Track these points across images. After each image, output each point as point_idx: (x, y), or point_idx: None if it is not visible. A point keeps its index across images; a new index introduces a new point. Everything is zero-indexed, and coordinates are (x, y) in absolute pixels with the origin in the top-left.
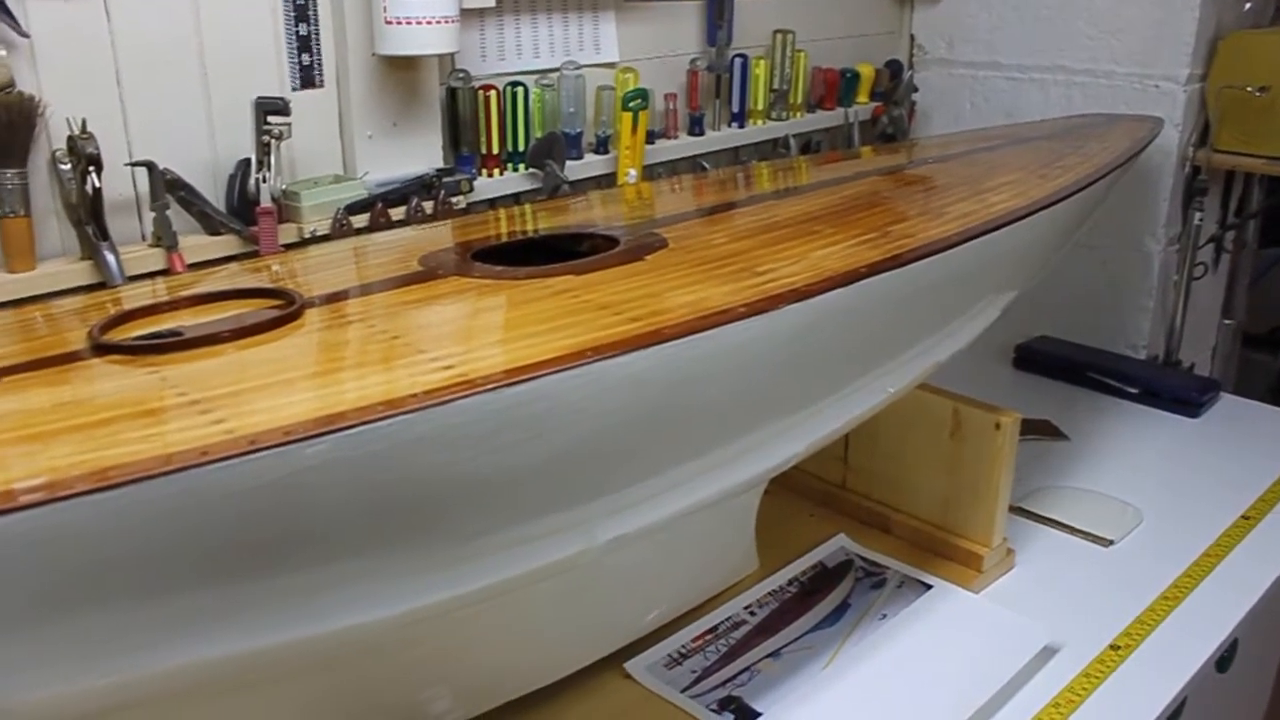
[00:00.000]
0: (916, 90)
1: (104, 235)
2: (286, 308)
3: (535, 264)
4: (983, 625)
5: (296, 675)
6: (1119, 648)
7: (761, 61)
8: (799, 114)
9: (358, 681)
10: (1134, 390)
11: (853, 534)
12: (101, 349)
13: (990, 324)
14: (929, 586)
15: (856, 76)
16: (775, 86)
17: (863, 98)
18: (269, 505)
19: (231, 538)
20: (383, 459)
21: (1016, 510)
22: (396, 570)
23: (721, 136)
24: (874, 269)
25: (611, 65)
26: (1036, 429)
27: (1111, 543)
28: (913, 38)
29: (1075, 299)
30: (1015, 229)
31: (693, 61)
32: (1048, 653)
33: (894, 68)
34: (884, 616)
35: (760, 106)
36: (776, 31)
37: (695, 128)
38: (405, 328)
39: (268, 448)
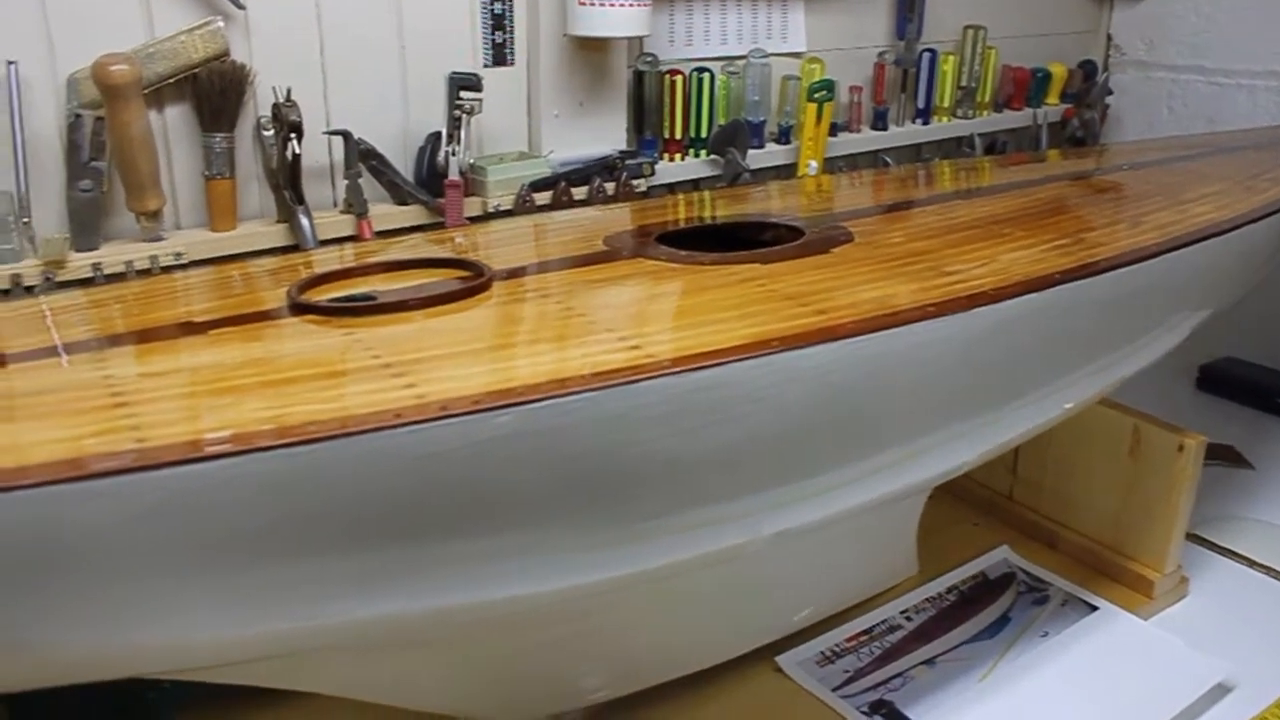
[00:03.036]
0: (1111, 93)
1: (300, 200)
2: (476, 279)
3: (718, 250)
4: (1151, 654)
5: (458, 639)
6: None
7: (950, 57)
8: (985, 113)
9: (514, 650)
10: None
11: (1017, 546)
12: (299, 308)
13: (1179, 342)
14: (1094, 608)
15: (1048, 76)
16: (963, 83)
17: (1053, 99)
18: (453, 472)
19: (413, 500)
20: (565, 434)
21: (1193, 538)
22: (565, 546)
23: (905, 132)
24: (1067, 276)
25: (798, 55)
26: (1218, 454)
27: None
28: (1110, 38)
29: (1265, 319)
30: (1217, 243)
31: (880, 54)
32: (1220, 690)
33: (1088, 69)
34: (1045, 634)
35: (946, 103)
36: (968, 27)
37: (879, 122)
38: (591, 305)
39: (457, 415)
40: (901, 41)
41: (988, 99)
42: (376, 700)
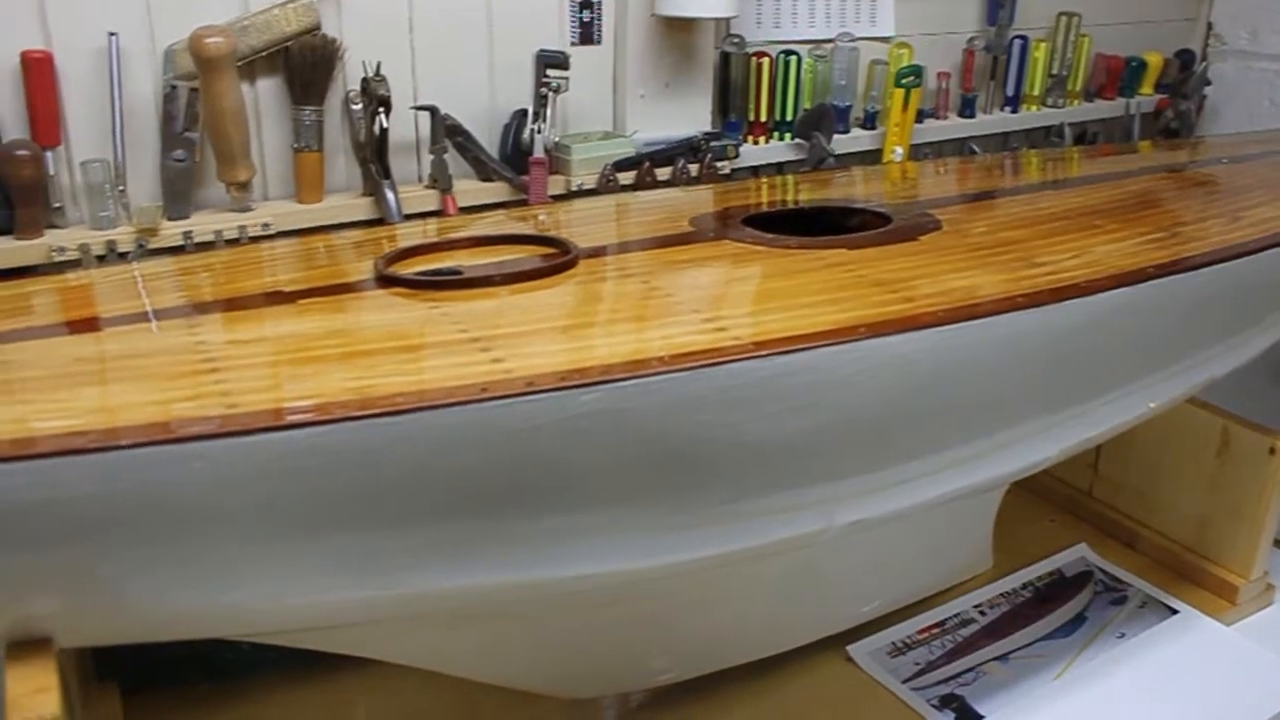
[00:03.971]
0: (1209, 83)
1: (386, 174)
2: (562, 256)
3: (803, 234)
4: (1234, 661)
5: (532, 614)
6: None
7: (1042, 44)
8: (1076, 102)
9: (586, 628)
10: None
11: (1095, 545)
12: (385, 281)
13: (1274, 342)
14: (1175, 611)
15: (1143, 65)
16: (1054, 71)
17: (1147, 89)
18: (536, 447)
19: (496, 475)
20: (649, 414)
21: None
22: (643, 526)
23: (993, 120)
24: (1162, 270)
25: (887, 39)
26: None
27: None
28: (1210, 26)
29: None
30: None
31: (970, 40)
32: None
33: (1185, 58)
34: (1122, 635)
35: (1036, 91)
36: (1061, 13)
37: (966, 109)
38: (677, 286)
39: (542, 391)
40: (992, 28)
41: (1079, 88)
42: (445, 671)
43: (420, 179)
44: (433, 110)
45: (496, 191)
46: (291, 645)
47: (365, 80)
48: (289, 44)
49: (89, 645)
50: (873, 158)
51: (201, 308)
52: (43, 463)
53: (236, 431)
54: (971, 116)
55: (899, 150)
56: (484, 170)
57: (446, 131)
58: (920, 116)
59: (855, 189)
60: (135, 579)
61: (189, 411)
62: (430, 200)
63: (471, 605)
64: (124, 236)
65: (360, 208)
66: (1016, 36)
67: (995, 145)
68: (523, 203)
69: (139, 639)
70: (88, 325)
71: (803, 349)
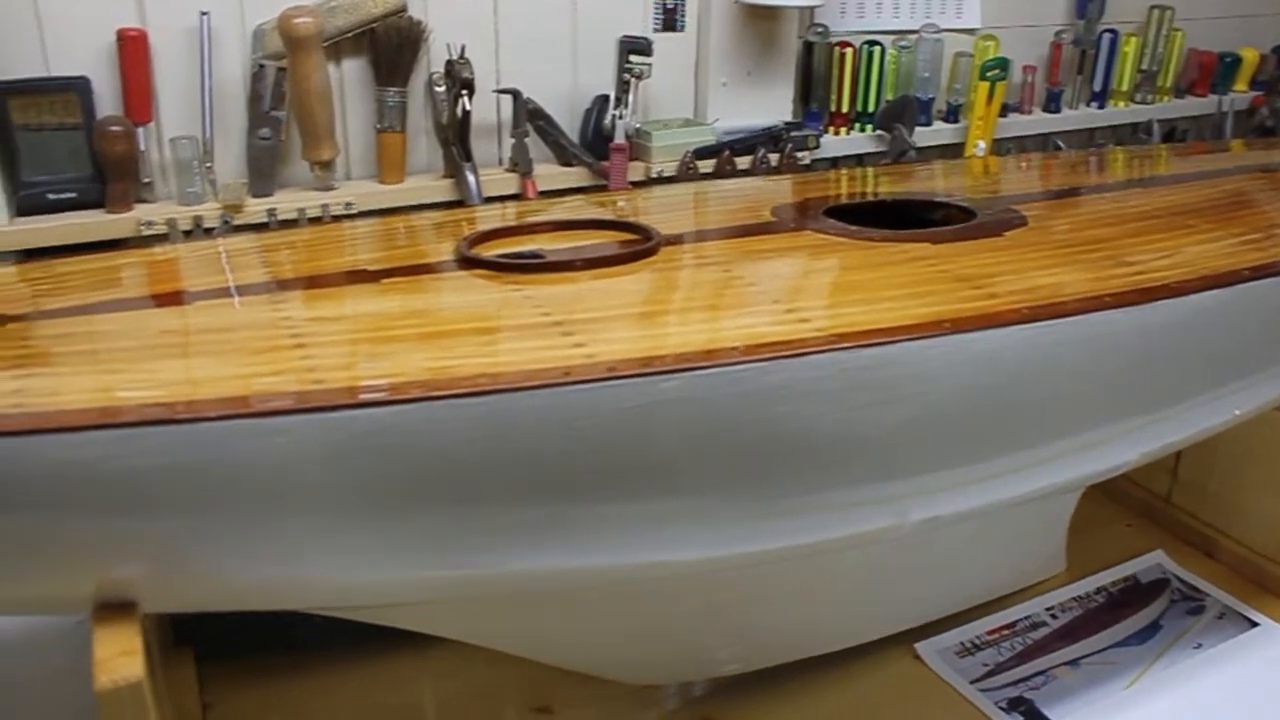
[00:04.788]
0: None
1: (467, 156)
2: (644, 242)
3: (884, 227)
4: None
5: (602, 599)
6: None
7: (1132, 39)
8: (1166, 98)
9: (656, 615)
10: None
11: (1172, 552)
12: (467, 262)
13: None
14: (1254, 624)
15: (1237, 61)
16: (1144, 66)
17: (1241, 85)
18: (616, 433)
19: (575, 459)
20: (731, 403)
21: None
22: (718, 516)
23: (1078, 116)
24: (1258, 273)
25: (972, 31)
26: None
27: None
28: None
29: None
30: None
31: (1058, 34)
32: None
33: None
34: (1199, 646)
35: (1124, 87)
36: (1154, 7)
37: (1051, 104)
38: (759, 276)
39: (625, 377)
40: (1081, 21)
41: (1169, 84)
42: (513, 652)
43: (501, 162)
44: (515, 94)
45: (576, 176)
46: (362, 620)
47: (449, 63)
48: (375, 25)
49: (171, 612)
50: (954, 151)
51: (285, 285)
52: (131, 432)
53: (319, 407)
54: (1057, 111)
55: (981, 144)
56: (564, 155)
57: (528, 115)
58: (1004, 110)
59: (936, 183)
60: (214, 549)
61: (274, 386)
62: (510, 184)
63: (542, 588)
64: (210, 212)
65: (441, 189)
66: (1106, 30)
67: (1080, 141)
68: (602, 188)
69: (217, 607)
70: (174, 299)
71: (885, 343)
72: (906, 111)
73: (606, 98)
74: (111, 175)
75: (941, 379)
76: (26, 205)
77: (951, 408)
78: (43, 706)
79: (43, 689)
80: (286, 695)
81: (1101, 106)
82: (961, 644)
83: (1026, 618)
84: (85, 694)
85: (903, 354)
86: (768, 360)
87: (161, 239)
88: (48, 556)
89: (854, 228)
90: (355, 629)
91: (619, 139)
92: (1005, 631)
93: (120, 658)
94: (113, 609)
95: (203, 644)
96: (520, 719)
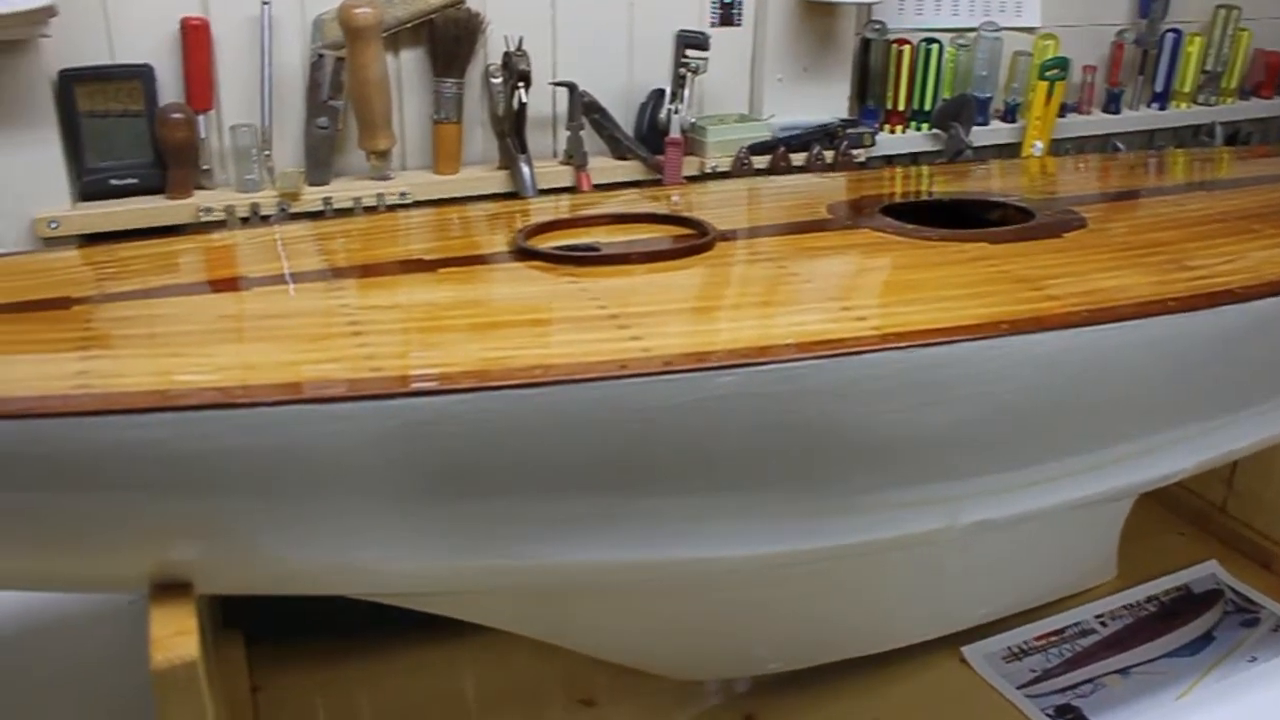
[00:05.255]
0: None
1: (523, 148)
2: (700, 237)
3: (941, 227)
4: None
5: (647, 593)
6: None
7: (1196, 39)
8: (1230, 100)
9: (701, 610)
10: None
11: (1226, 562)
12: (524, 254)
13: None
14: None
15: None
16: (1208, 67)
17: None
18: (670, 427)
19: (627, 452)
20: (785, 401)
21: None
22: (769, 513)
23: (1139, 117)
24: None
25: (1032, 30)
26: None
27: None
28: None
29: None
30: None
31: (1120, 33)
32: None
33: None
34: (1253, 659)
35: (1187, 88)
36: (1220, 6)
37: (1111, 104)
38: (816, 273)
39: (680, 371)
40: (1144, 20)
41: (1234, 85)
42: (558, 643)
43: (555, 155)
44: (571, 86)
45: (630, 170)
46: (410, 607)
47: (507, 54)
48: (434, 16)
49: (224, 593)
50: (1010, 151)
51: (341, 273)
52: (191, 415)
53: (377, 395)
54: (1116, 112)
55: (1039, 144)
56: (619, 148)
57: (584, 108)
58: (1063, 110)
59: (993, 182)
60: (269, 532)
61: (332, 373)
62: (564, 176)
63: (590, 581)
64: (267, 200)
65: (495, 180)
66: (1169, 30)
67: (1140, 143)
68: (656, 182)
69: (269, 590)
70: (231, 284)
71: (943, 343)
72: (964, 110)
73: (662, 92)
74: (172, 162)
75: (999, 381)
76: (90, 190)
77: (1007, 410)
78: (96, 684)
79: (97, 667)
80: (333, 679)
81: (1163, 108)
82: (1009, 649)
83: (1076, 624)
84: (136, 673)
85: (960, 354)
86: (824, 358)
87: (219, 225)
88: (108, 536)
89: (911, 226)
90: (401, 615)
91: (674, 133)
92: (1053, 638)
93: (176, 637)
94: (169, 589)
95: (252, 627)
96: (564, 710)
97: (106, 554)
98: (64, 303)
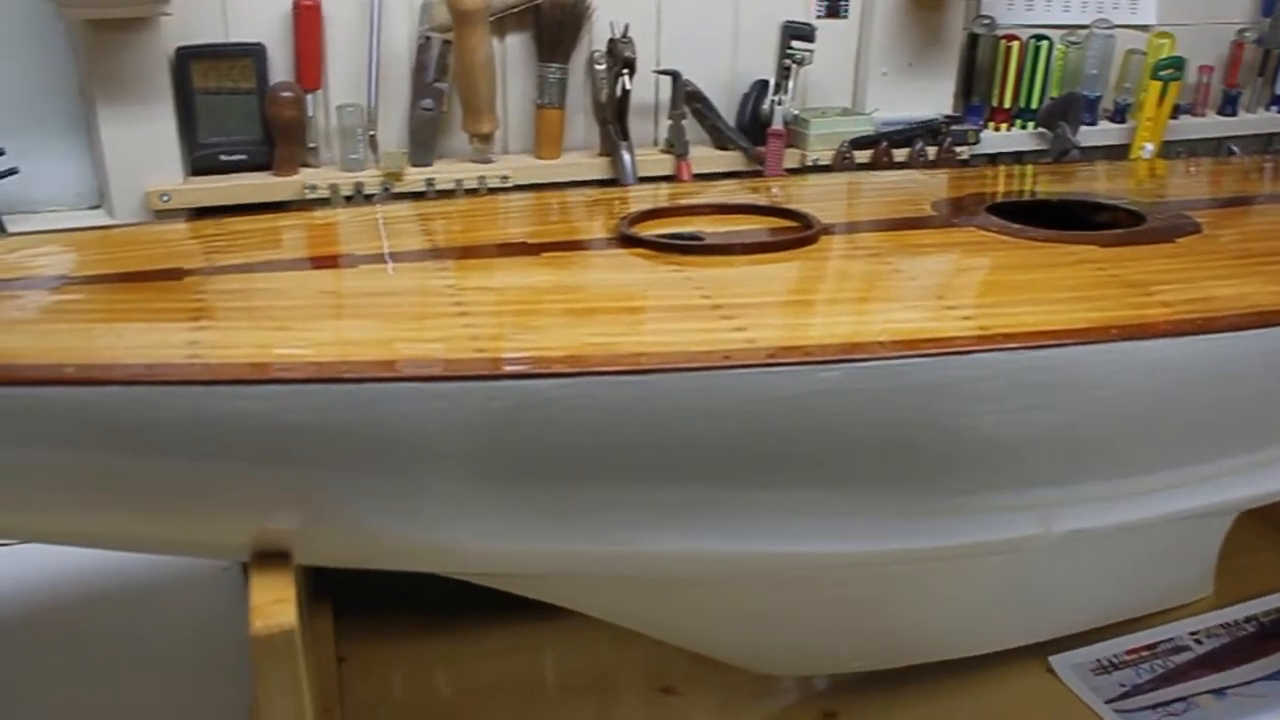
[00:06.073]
0: None
1: (624, 135)
2: (805, 230)
3: (1049, 227)
4: None
5: (735, 585)
6: None
7: None
8: None
9: (788, 605)
10: None
11: None
12: (627, 240)
13: None
14: None
15: None
16: None
17: None
18: (773, 420)
19: (728, 443)
20: (888, 397)
21: None
22: (860, 510)
23: (1256, 120)
24: None
25: (1146, 28)
26: None
27: None
28: None
29: None
30: None
31: (1240, 32)
32: None
33: None
34: None
35: None
36: None
37: (1227, 106)
38: (921, 270)
39: (785, 364)
40: (1267, 19)
41: None
42: (642, 630)
43: (656, 143)
44: (675, 75)
45: (731, 161)
46: (497, 587)
47: (612, 41)
48: (540, 2)
49: (320, 565)
50: (1119, 153)
51: (445, 253)
52: (298, 388)
53: (480, 376)
54: (1233, 115)
55: (1149, 146)
56: (720, 138)
57: (686, 97)
58: (1175, 112)
59: (1100, 184)
60: (368, 507)
61: (436, 352)
62: (664, 165)
63: (680, 571)
64: (370, 179)
65: (596, 167)
66: None
67: (1256, 147)
68: (756, 174)
69: (364, 564)
70: (333, 261)
71: (1051, 345)
72: (1072, 109)
73: (765, 83)
74: (280, 139)
75: (1106, 386)
76: (200, 165)
77: (1112, 417)
78: (189, 647)
79: (188, 630)
80: (415, 654)
81: None
82: (1098, 661)
83: (1169, 640)
84: (224, 637)
85: (1068, 358)
86: (929, 356)
87: (323, 203)
88: (214, 502)
89: (1017, 226)
90: (485, 596)
91: (777, 125)
92: (1145, 653)
93: (275, 605)
94: (269, 558)
95: (340, 599)
96: (644, 698)
97: (211, 520)
98: (177, 274)
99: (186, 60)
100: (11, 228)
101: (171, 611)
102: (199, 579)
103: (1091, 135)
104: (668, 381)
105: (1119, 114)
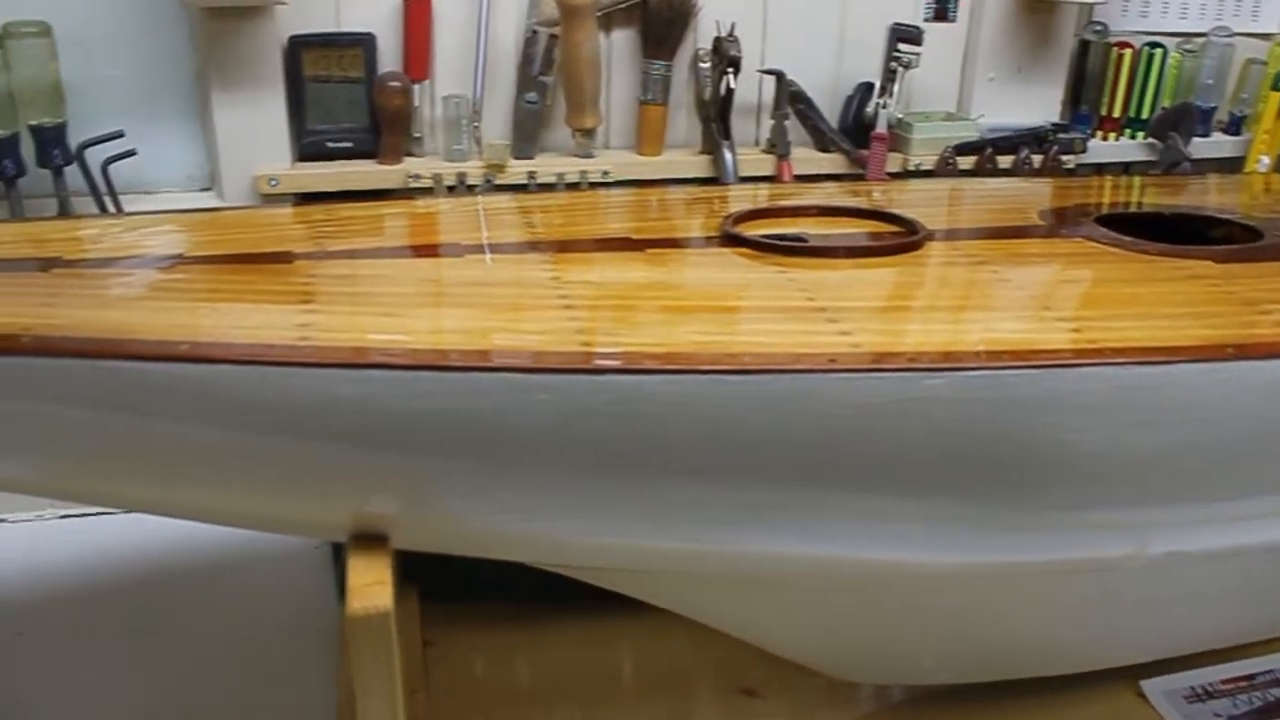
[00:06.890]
0: None
1: (726, 134)
2: (910, 235)
3: (1162, 241)
4: None
5: (823, 589)
6: None
7: None
8: None
9: (872, 612)
10: None
11: None
12: (731, 239)
13: None
14: None
15: None
16: None
17: None
18: (875, 424)
19: (829, 446)
20: (995, 407)
21: None
22: (956, 519)
23: None
24: None
25: (1268, 36)
26: None
27: None
28: None
29: None
30: None
31: None
32: None
33: None
34: None
35: None
36: None
37: None
38: (1028, 280)
39: (890, 369)
40: None
41: None
42: (725, 630)
43: (757, 143)
44: (779, 75)
45: (832, 163)
46: (584, 580)
47: (717, 39)
48: None
49: (414, 549)
50: (1232, 165)
51: (547, 246)
52: (405, 374)
53: (584, 369)
54: None
55: (1265, 159)
56: (822, 140)
57: (790, 98)
58: None
59: (1211, 198)
60: (465, 494)
61: (541, 344)
62: (766, 165)
63: (770, 572)
64: (473, 170)
65: (697, 165)
66: None
67: None
68: (857, 177)
69: (457, 551)
70: (435, 250)
71: (1163, 362)
72: (1184, 120)
73: (869, 85)
74: (386, 128)
75: (1216, 406)
76: (308, 151)
77: (1220, 438)
78: (280, 617)
79: (281, 602)
80: (497, 643)
81: None
82: (1192, 689)
83: (1268, 672)
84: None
85: (1179, 376)
86: (1036, 367)
87: (426, 192)
88: (316, 482)
89: (1128, 238)
90: (569, 588)
91: (880, 128)
92: (1242, 683)
93: (372, 586)
94: (367, 540)
95: (427, 584)
96: (724, 698)
97: (313, 499)
98: (287, 257)
99: (298, 48)
100: (128, 207)
101: (264, 583)
102: (290, 556)
103: (1204, 147)
104: (771, 382)
105: (1234, 125)
